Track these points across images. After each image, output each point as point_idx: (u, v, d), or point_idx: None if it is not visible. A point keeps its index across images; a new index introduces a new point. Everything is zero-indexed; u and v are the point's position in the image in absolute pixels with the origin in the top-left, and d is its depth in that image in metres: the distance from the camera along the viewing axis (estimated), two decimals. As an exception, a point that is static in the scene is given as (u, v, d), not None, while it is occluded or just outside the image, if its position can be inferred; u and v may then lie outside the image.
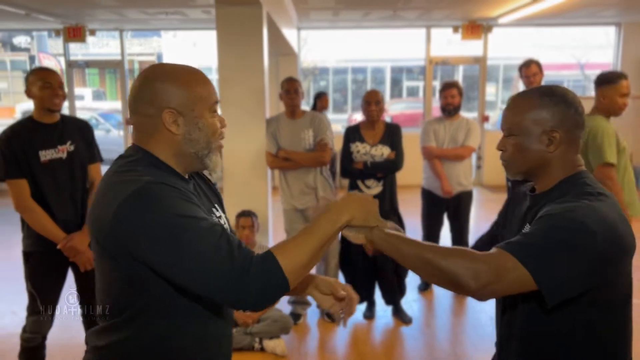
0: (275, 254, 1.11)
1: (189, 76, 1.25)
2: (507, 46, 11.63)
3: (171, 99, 1.21)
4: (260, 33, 3.95)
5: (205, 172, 1.41)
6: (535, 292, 1.18)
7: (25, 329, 2.70)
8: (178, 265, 1.09)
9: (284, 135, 3.71)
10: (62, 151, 2.63)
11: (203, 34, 9.91)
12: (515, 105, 1.37)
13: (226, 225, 1.39)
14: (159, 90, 1.21)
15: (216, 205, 1.40)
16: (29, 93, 2.58)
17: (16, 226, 2.70)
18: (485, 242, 1.60)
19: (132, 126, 1.30)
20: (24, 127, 2.60)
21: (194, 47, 15.56)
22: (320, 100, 5.93)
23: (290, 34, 7.04)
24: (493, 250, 1.22)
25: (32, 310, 2.70)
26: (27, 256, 2.65)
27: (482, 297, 1.21)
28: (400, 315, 3.76)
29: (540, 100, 1.32)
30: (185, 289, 1.15)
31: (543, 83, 4.07)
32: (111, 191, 1.16)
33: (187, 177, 1.31)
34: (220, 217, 1.38)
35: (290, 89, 3.66)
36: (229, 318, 1.37)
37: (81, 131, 2.74)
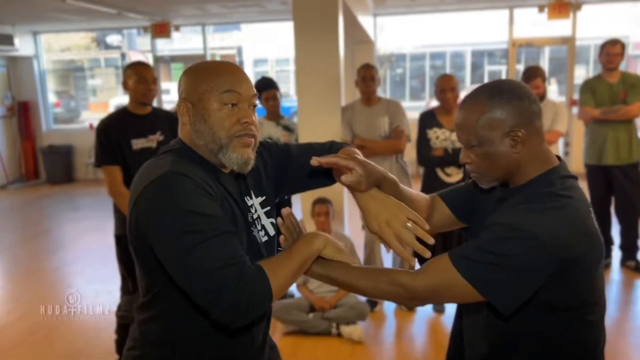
0: (266, 269, 1.13)
1: (204, 68, 1.26)
2: (599, 25, 10.83)
3: (184, 89, 1.26)
4: (335, 21, 3.95)
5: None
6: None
7: (119, 308, 2.91)
8: (175, 262, 1.11)
9: (359, 122, 3.69)
10: (152, 140, 2.79)
11: (282, 25, 10.06)
12: (465, 115, 1.25)
13: (257, 212, 1.36)
14: (180, 82, 1.27)
15: (252, 190, 1.36)
16: (125, 85, 2.76)
17: (110, 211, 2.90)
18: (457, 199, 1.52)
19: None
20: (119, 118, 2.80)
21: (273, 39, 15.82)
22: None
23: (366, 21, 6.99)
24: (442, 259, 1.20)
25: (124, 290, 2.90)
26: (118, 239, 2.82)
27: (421, 304, 1.28)
28: None
29: (491, 101, 1.21)
30: (179, 284, 1.15)
31: None
32: (139, 177, 1.22)
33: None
34: (251, 205, 1.34)
35: (366, 76, 3.64)
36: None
37: (170, 123, 2.87)
